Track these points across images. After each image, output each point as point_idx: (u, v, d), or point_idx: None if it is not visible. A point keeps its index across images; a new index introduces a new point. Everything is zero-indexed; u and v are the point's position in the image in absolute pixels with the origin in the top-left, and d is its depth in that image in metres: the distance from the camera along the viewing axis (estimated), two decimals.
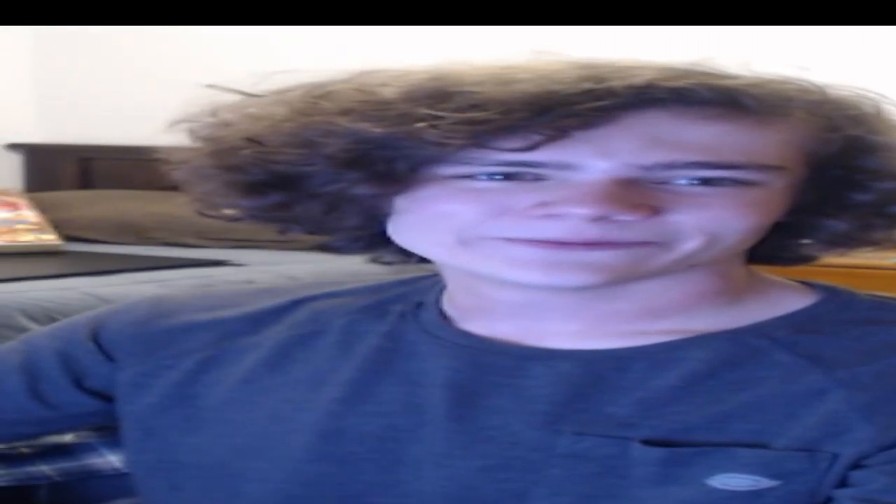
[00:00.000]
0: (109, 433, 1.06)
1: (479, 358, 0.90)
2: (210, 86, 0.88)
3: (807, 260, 0.96)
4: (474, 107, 0.77)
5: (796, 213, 0.87)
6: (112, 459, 1.08)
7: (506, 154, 0.79)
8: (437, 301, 0.96)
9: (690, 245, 0.83)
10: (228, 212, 0.91)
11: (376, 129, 0.79)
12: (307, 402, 0.92)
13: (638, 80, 0.78)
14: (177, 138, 0.89)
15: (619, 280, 0.83)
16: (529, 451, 0.84)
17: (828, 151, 0.85)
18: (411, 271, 1.00)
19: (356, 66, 0.86)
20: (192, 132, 0.89)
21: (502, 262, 0.83)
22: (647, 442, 0.82)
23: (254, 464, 0.92)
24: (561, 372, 0.87)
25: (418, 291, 0.98)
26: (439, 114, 0.77)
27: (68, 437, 1.09)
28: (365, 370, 0.92)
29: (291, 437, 0.91)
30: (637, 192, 0.80)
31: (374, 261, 0.98)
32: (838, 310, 0.90)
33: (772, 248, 0.91)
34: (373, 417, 0.89)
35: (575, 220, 0.80)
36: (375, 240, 0.93)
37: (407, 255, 0.94)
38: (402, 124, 0.78)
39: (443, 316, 0.94)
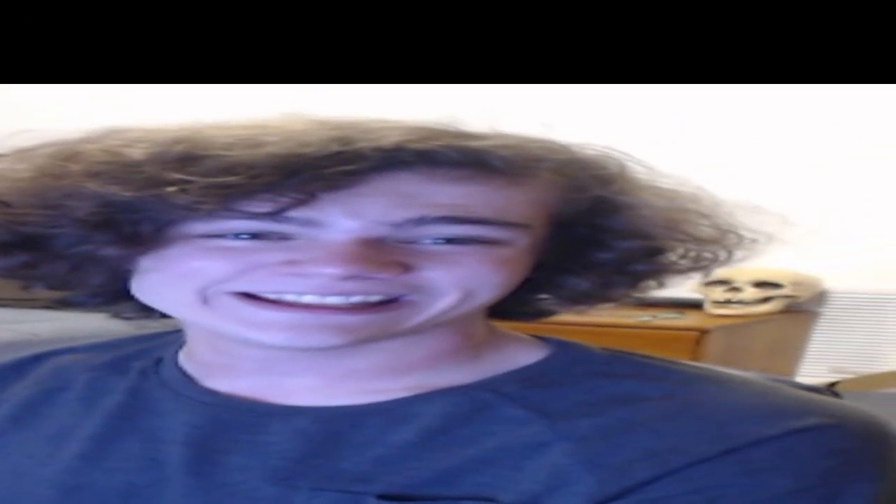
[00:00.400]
0: None
1: (219, 415, 0.90)
2: None
3: (544, 315, 0.98)
4: (223, 170, 0.77)
5: (539, 269, 0.89)
6: None
7: (250, 215, 0.80)
8: (175, 357, 0.96)
9: (446, 301, 0.84)
10: None
11: (125, 193, 0.79)
12: (49, 458, 0.91)
13: (385, 142, 0.79)
14: None
15: (365, 340, 0.84)
16: None
17: (572, 210, 0.87)
18: (154, 327, 1.01)
19: (103, 124, 0.85)
20: None
21: (244, 322, 0.83)
22: (383, 497, 0.82)
23: None
24: (298, 428, 0.87)
25: (158, 347, 0.99)
26: (188, 178, 0.77)
27: None
28: (106, 426, 0.92)
29: (33, 492, 0.90)
30: (386, 251, 0.81)
31: (116, 316, 0.97)
32: (570, 363, 0.91)
33: (510, 303, 0.91)
34: (114, 473, 0.89)
35: (323, 279, 0.81)
36: (117, 295, 0.92)
37: (149, 311, 0.94)
38: (150, 187, 0.78)
39: (183, 372, 0.94)
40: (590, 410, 0.85)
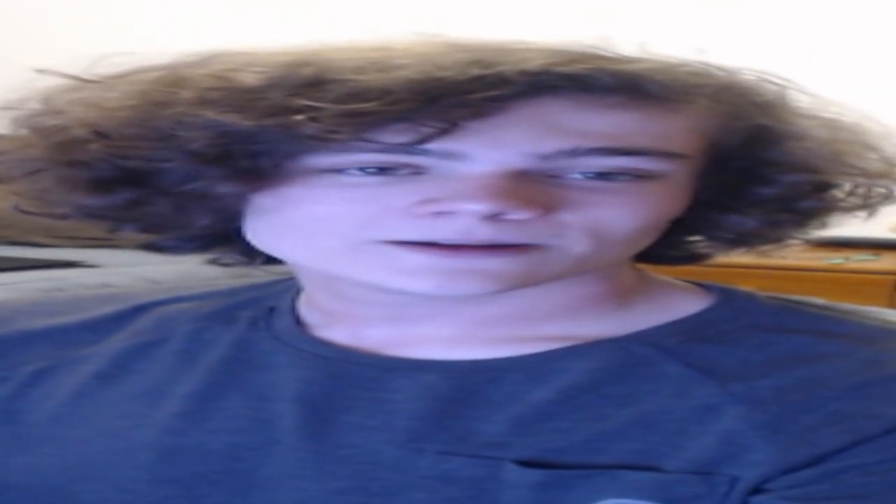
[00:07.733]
0: None
1: (337, 369, 0.89)
2: (40, 70, 0.84)
3: (697, 258, 0.97)
4: (356, 96, 0.75)
5: (695, 208, 0.88)
6: None
7: (388, 147, 0.78)
8: (293, 306, 0.96)
9: (577, 248, 0.82)
10: (56, 209, 0.89)
11: (245, 122, 0.76)
12: (144, 418, 0.91)
13: (531, 65, 0.77)
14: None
15: (514, 287, 0.82)
16: (389, 473, 0.83)
17: (731, 141, 0.86)
18: (258, 275, 1.01)
19: (193, 48, 0.83)
20: (18, 121, 0.86)
21: (391, 270, 0.81)
22: (522, 462, 0.81)
23: (90, 486, 0.90)
24: (427, 385, 0.86)
25: (272, 296, 0.99)
26: (318, 105, 0.75)
27: None
28: (209, 383, 0.92)
29: (128, 456, 0.90)
30: (531, 187, 0.79)
31: (215, 262, 0.97)
32: (735, 315, 0.90)
33: (661, 246, 0.90)
34: (217, 435, 0.88)
35: (466, 219, 0.78)
36: (217, 239, 0.92)
37: (250, 256, 0.94)
38: (274, 116, 0.76)
39: (299, 323, 0.94)
40: (763, 370, 0.84)
